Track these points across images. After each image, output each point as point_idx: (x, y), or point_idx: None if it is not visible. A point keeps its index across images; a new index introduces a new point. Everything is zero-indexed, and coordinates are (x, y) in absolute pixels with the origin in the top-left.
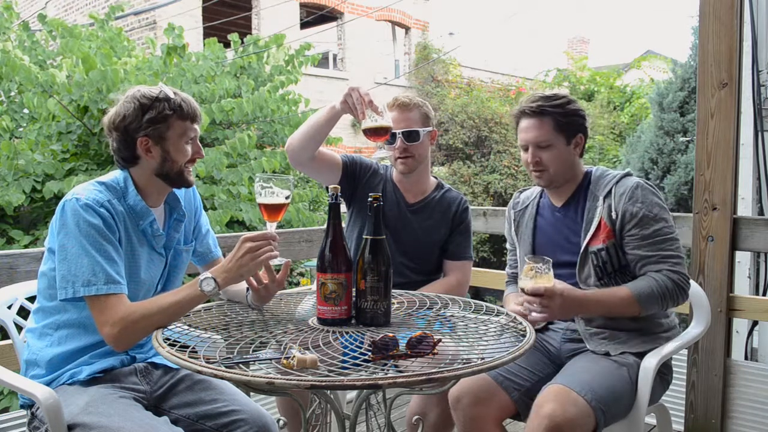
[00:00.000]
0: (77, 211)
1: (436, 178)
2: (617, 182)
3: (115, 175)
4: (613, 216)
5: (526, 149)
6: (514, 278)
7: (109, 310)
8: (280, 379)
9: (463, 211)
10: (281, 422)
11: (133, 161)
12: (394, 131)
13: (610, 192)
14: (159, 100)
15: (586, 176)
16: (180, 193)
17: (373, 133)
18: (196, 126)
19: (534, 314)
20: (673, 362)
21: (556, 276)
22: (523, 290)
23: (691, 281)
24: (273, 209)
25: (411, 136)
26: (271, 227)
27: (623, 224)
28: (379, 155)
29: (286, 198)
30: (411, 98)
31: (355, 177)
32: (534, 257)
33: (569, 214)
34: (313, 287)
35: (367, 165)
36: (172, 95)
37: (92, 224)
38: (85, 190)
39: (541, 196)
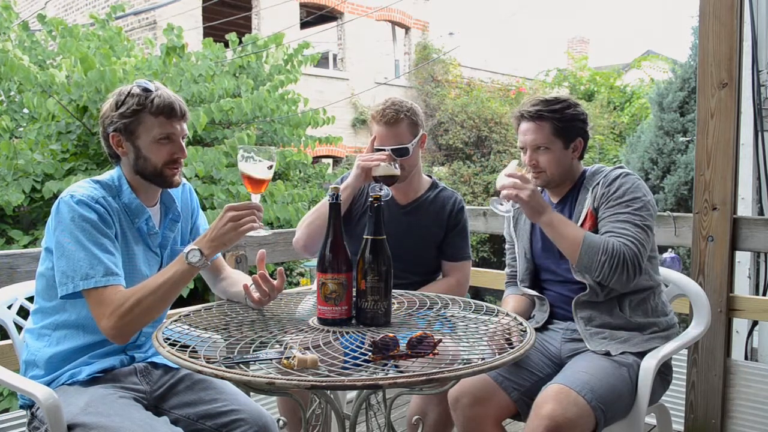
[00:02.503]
0: (72, 207)
1: (430, 176)
2: (606, 175)
3: (110, 173)
4: (596, 204)
5: (524, 151)
6: (513, 278)
7: (105, 302)
8: (281, 379)
9: (458, 211)
10: (281, 422)
11: (116, 158)
12: (383, 147)
13: (597, 184)
14: (131, 95)
15: (583, 174)
16: (176, 193)
17: (384, 180)
18: (174, 124)
19: (504, 191)
20: (673, 362)
21: (558, 269)
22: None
23: (691, 281)
24: (257, 181)
25: (400, 151)
26: (255, 198)
27: (598, 207)
28: (381, 195)
29: (269, 168)
30: (397, 108)
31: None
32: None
33: (565, 209)
34: (313, 287)
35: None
36: (151, 88)
37: (87, 219)
38: (79, 187)
39: (541, 193)
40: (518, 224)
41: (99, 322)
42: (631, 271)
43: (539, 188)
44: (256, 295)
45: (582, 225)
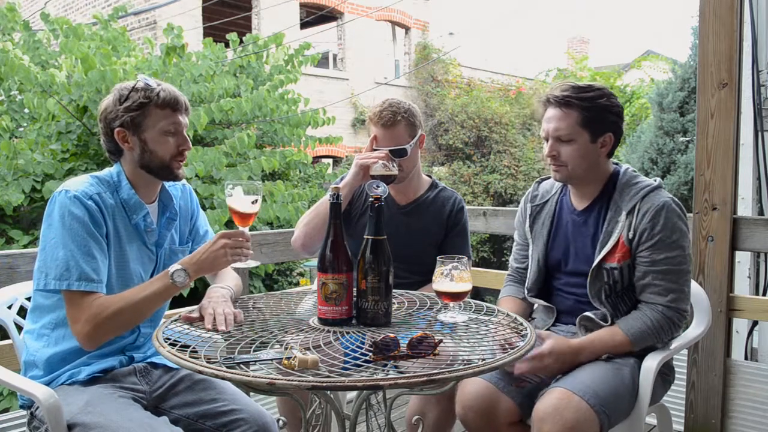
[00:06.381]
0: (64, 203)
1: (430, 176)
2: (644, 197)
3: (110, 169)
4: (631, 236)
5: (546, 140)
6: (518, 275)
7: (80, 307)
8: (281, 379)
9: (458, 211)
10: (281, 422)
11: (117, 153)
12: (381, 148)
13: (634, 208)
14: (136, 90)
15: (612, 179)
16: (175, 192)
17: (382, 179)
18: (179, 116)
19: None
20: (673, 362)
21: (570, 284)
22: (441, 293)
23: (691, 281)
24: (244, 215)
25: (398, 152)
26: (244, 230)
27: (639, 243)
28: (378, 192)
29: (255, 203)
30: (394, 110)
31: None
32: (447, 257)
33: (589, 221)
34: (314, 287)
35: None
36: (153, 85)
37: (77, 217)
38: (76, 182)
39: (562, 193)
40: (535, 224)
41: (72, 325)
42: (681, 325)
43: (566, 191)
44: (209, 325)
45: (609, 253)
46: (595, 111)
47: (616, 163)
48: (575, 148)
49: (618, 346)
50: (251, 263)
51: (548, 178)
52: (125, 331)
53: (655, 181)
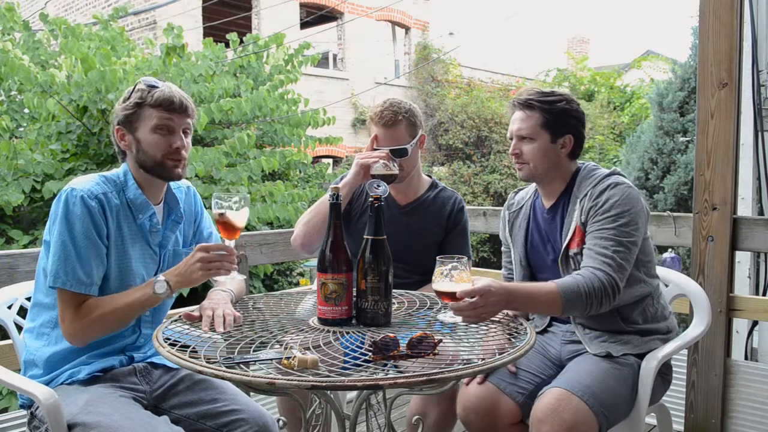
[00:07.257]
0: (68, 202)
1: (430, 176)
2: (595, 185)
3: (117, 169)
4: (583, 219)
5: (511, 139)
6: (508, 281)
7: (69, 307)
8: (281, 379)
9: (458, 211)
10: (281, 422)
11: (123, 153)
12: (382, 147)
13: (586, 195)
14: (136, 90)
15: (575, 175)
16: (180, 195)
17: (382, 179)
18: (174, 116)
19: (469, 317)
20: (673, 362)
21: (554, 277)
22: (440, 293)
23: (691, 281)
24: (230, 227)
25: (399, 152)
26: (230, 244)
27: (586, 221)
28: (379, 192)
29: (243, 216)
30: (395, 110)
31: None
32: (447, 256)
33: (556, 217)
34: (314, 287)
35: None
36: (158, 85)
37: (79, 216)
38: (83, 181)
39: (535, 197)
40: (513, 229)
41: (61, 322)
42: (612, 298)
43: (538, 194)
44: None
45: (570, 241)
46: (554, 113)
47: (583, 162)
48: (536, 147)
49: (547, 293)
50: (237, 276)
51: (523, 189)
52: (111, 333)
53: (611, 169)
